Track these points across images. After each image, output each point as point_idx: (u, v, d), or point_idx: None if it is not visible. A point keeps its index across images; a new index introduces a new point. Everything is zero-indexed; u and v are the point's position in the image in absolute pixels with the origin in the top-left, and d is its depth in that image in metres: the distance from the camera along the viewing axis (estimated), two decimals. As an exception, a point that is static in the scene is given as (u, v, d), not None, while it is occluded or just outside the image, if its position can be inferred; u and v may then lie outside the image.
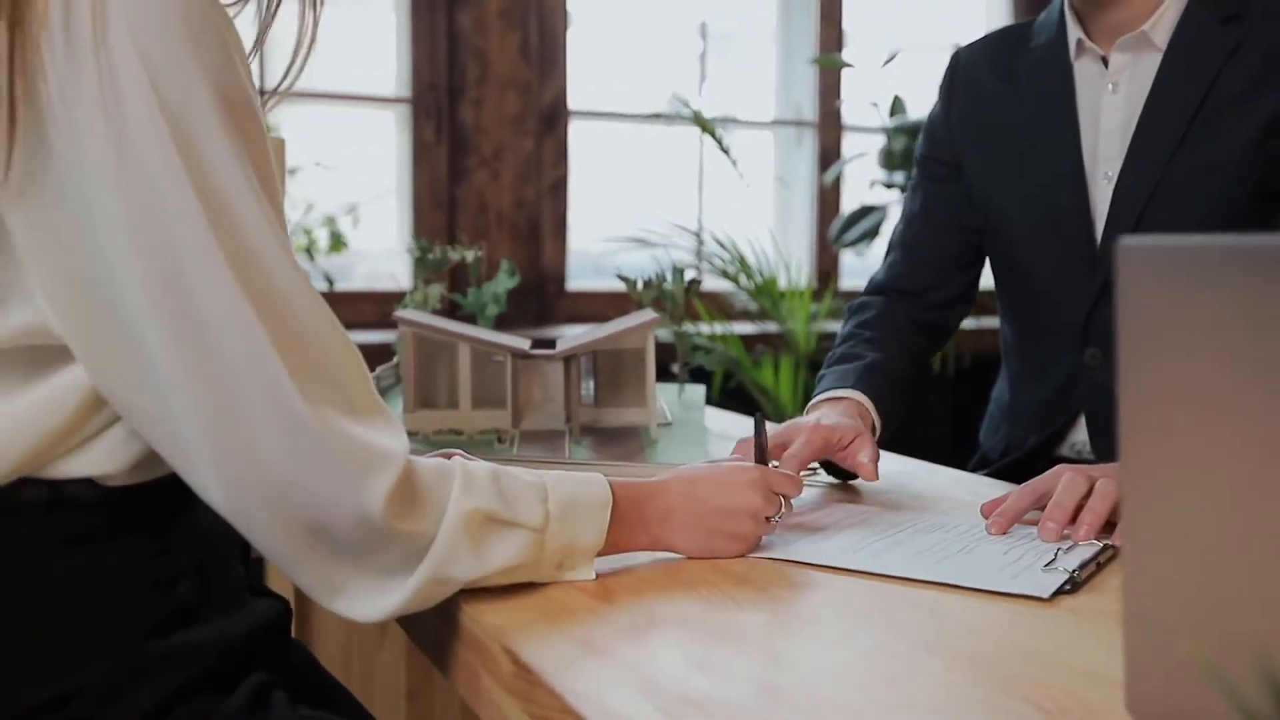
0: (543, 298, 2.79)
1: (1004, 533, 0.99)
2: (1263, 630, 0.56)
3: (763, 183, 3.14)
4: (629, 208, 2.99)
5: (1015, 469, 1.38)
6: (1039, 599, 0.82)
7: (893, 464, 1.33)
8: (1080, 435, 1.37)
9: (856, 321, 1.43)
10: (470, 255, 1.53)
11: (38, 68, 0.68)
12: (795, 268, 2.71)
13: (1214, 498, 0.55)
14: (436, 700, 1.64)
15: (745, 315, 2.69)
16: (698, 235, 2.71)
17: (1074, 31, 1.33)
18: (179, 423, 0.72)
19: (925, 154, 1.49)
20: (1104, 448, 1.33)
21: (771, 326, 2.66)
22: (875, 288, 1.49)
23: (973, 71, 1.45)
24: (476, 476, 0.79)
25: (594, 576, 0.85)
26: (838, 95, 3.12)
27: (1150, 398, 0.55)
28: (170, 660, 0.76)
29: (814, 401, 1.28)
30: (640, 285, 1.50)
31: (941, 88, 1.49)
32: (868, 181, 3.05)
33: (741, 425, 1.60)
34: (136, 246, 0.70)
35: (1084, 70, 1.34)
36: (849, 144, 3.17)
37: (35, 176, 0.70)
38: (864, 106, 3.10)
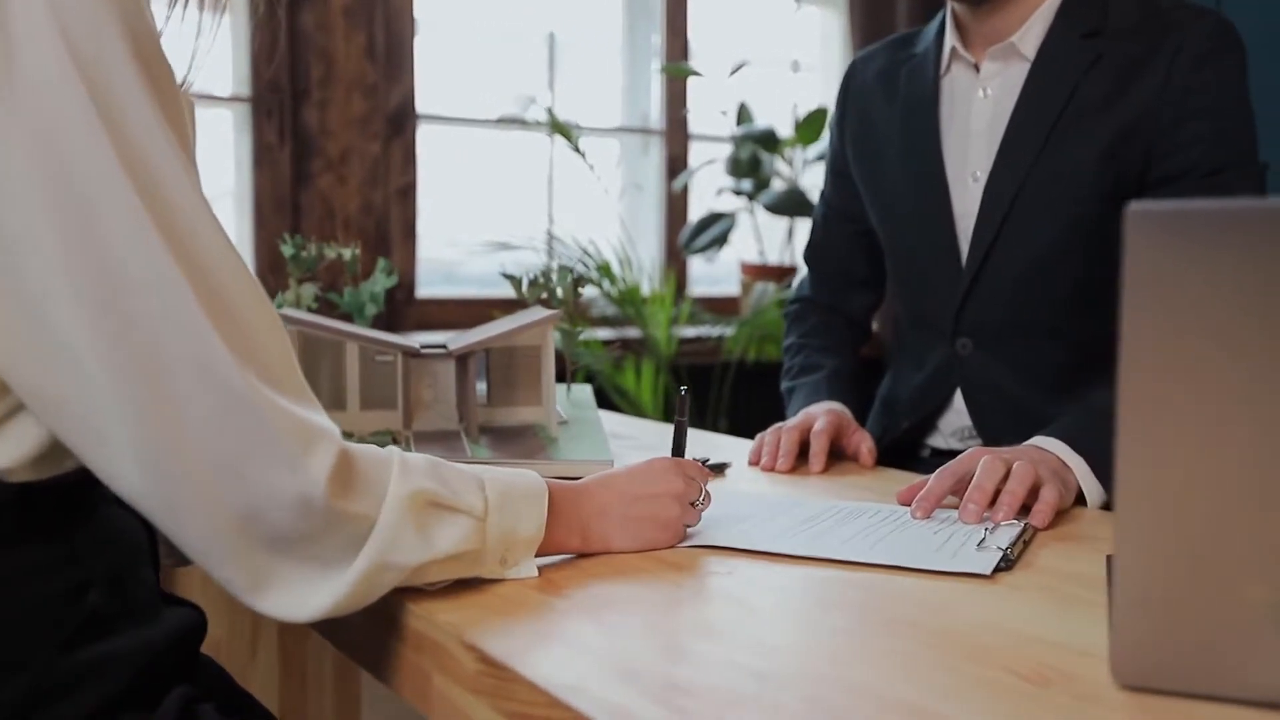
0: (391, 304, 2.71)
1: (928, 516, 1.00)
2: (1255, 597, 0.57)
3: (609, 190, 3.14)
4: (477, 214, 2.94)
5: (891, 454, 1.43)
6: (981, 576, 0.84)
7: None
8: (956, 421, 1.42)
9: (800, 331, 1.58)
10: (347, 253, 1.46)
11: None
12: (657, 276, 2.72)
13: (1209, 466, 0.57)
14: (309, 721, 1.56)
15: (604, 320, 2.68)
16: (551, 239, 2.69)
17: (951, 39, 1.38)
18: (94, 403, 0.64)
19: (829, 152, 1.60)
20: (987, 430, 1.37)
21: (630, 331, 2.66)
22: (803, 298, 1.63)
23: (863, 80, 1.52)
24: (414, 461, 0.75)
25: (536, 574, 0.81)
26: (684, 104, 3.15)
27: (1150, 359, 0.56)
28: (87, 675, 0.70)
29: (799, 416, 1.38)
30: (526, 284, 1.46)
31: (837, 94, 1.57)
32: (715, 189, 3.08)
33: (629, 425, 1.59)
34: (47, 205, 0.62)
35: (957, 76, 1.39)
36: (695, 152, 3.20)
37: None
38: (708, 115, 3.14)
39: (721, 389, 2.75)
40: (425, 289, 2.82)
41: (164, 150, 0.66)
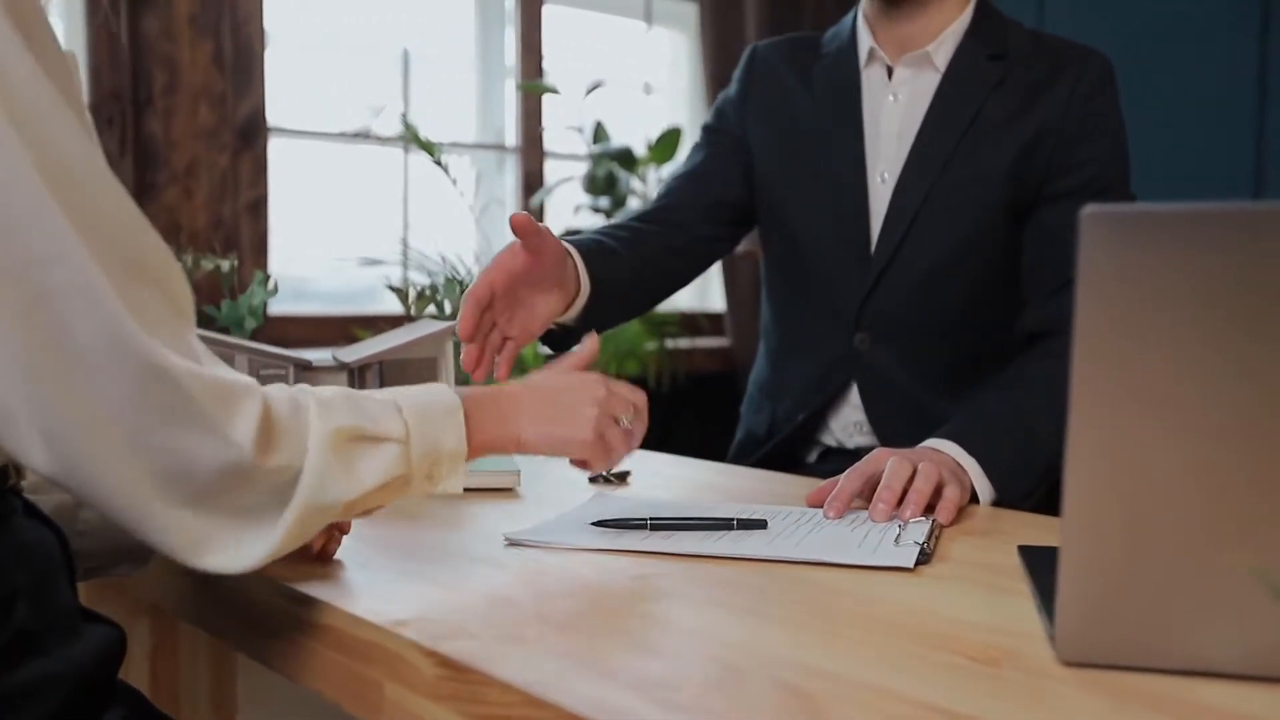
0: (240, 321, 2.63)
1: (840, 516, 1.03)
2: (1200, 581, 0.62)
3: (471, 206, 3.12)
4: (326, 230, 2.88)
5: (786, 446, 1.45)
6: (904, 569, 0.87)
7: (670, 465, 1.36)
8: (848, 415, 1.45)
9: (603, 230, 1.40)
10: (225, 265, 1.41)
11: None
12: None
13: (1156, 452, 0.61)
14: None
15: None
16: (409, 253, 2.65)
17: (865, 41, 1.44)
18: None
19: (714, 125, 1.55)
20: (880, 423, 1.42)
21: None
22: (631, 217, 1.46)
23: (773, 65, 1.53)
24: (329, 398, 0.75)
25: (461, 490, 0.82)
26: (540, 121, 3.16)
27: (1101, 351, 0.60)
28: (23, 696, 0.66)
29: None
30: (413, 296, 1.44)
31: (739, 75, 1.56)
32: (572, 206, 3.10)
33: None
34: None
35: (870, 77, 1.45)
36: (548, 169, 3.21)
37: None
38: (559, 134, 3.15)
39: (582, 404, 2.75)
40: (274, 307, 2.74)
41: (49, 103, 0.63)
